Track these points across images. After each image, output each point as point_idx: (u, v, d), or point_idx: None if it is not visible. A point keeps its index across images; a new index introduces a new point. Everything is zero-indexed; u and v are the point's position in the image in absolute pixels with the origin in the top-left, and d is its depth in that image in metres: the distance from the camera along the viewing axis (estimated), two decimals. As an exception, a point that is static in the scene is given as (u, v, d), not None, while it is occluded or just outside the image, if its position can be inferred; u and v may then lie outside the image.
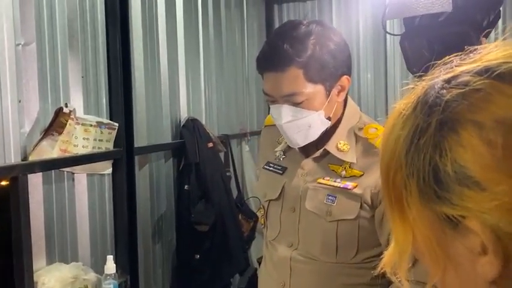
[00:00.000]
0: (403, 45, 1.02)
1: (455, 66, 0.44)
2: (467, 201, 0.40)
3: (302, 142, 1.20)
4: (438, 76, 0.44)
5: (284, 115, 1.15)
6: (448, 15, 0.85)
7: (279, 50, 1.12)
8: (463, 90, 0.41)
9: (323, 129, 1.19)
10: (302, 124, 1.16)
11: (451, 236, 0.42)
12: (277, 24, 3.66)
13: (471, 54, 0.44)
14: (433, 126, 0.41)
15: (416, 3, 0.89)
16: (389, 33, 1.13)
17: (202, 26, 2.70)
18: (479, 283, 0.42)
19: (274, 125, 1.24)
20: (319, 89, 1.14)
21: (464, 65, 0.43)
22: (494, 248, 0.39)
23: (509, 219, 0.38)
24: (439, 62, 0.46)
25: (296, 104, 1.14)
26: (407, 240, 0.45)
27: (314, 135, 1.19)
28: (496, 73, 0.40)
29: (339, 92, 1.19)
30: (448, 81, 0.43)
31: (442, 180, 0.41)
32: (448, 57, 0.45)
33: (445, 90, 0.42)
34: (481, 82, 0.40)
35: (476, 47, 0.45)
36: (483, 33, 0.96)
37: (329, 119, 1.19)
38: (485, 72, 0.41)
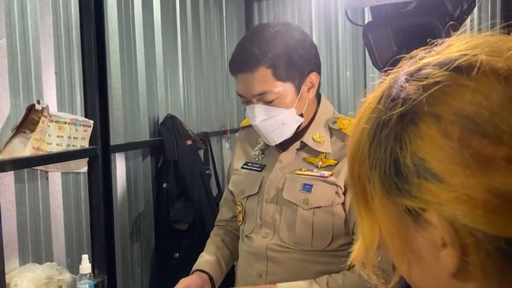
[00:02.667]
0: (367, 37, 1.01)
1: (420, 59, 0.44)
2: (425, 193, 0.40)
3: (278, 139, 1.25)
4: (403, 69, 0.44)
5: (258, 114, 1.22)
6: (415, 5, 0.85)
7: (247, 52, 1.20)
8: (423, 82, 0.41)
9: (296, 125, 1.25)
10: (275, 122, 1.22)
11: (413, 229, 0.42)
12: (256, 21, 3.65)
13: (437, 47, 0.44)
14: (394, 119, 0.41)
15: None
16: (353, 23, 1.11)
17: (180, 21, 2.67)
18: (442, 276, 0.41)
19: (252, 126, 1.29)
20: (289, 86, 1.21)
21: (427, 58, 0.43)
22: (451, 241, 0.39)
23: (465, 211, 0.38)
24: (406, 55, 0.45)
25: (268, 103, 1.20)
26: (374, 234, 0.44)
27: (288, 132, 1.24)
28: (454, 65, 0.40)
29: (309, 89, 1.25)
30: (410, 74, 0.43)
31: (402, 172, 0.41)
32: (415, 50, 0.45)
33: (407, 83, 0.42)
34: (440, 74, 0.40)
35: (444, 39, 0.45)
36: (454, 23, 0.95)
37: (301, 115, 1.25)
38: (445, 64, 0.41)
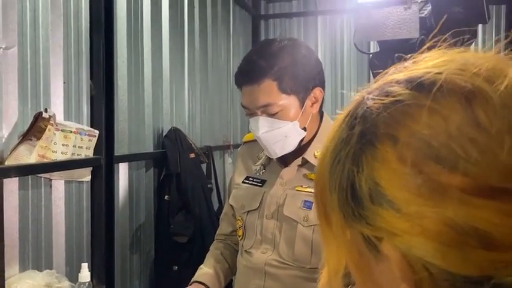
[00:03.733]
0: (373, 63, 1.05)
1: (388, 75, 0.41)
2: (380, 221, 0.36)
3: (280, 152, 1.26)
4: (372, 86, 0.42)
5: (261, 126, 1.22)
6: (421, 38, 0.88)
7: (254, 65, 1.21)
8: (384, 101, 0.38)
9: (299, 139, 1.25)
10: (279, 134, 1.22)
11: (372, 260, 0.39)
12: (262, 39, 3.70)
13: (407, 63, 0.41)
14: (355, 138, 0.39)
15: (384, 28, 0.92)
16: (361, 51, 1.15)
17: (188, 37, 2.71)
18: None
19: (254, 141, 1.31)
20: (293, 100, 1.22)
21: (396, 74, 0.40)
22: (404, 275, 0.36)
23: (420, 243, 0.35)
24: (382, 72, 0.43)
25: (272, 115, 1.21)
26: (339, 262, 0.41)
27: (291, 145, 1.25)
28: (416, 83, 0.38)
29: (312, 104, 1.26)
30: (375, 91, 0.40)
31: (358, 196, 0.38)
32: (390, 67, 0.43)
33: (371, 101, 0.39)
34: (401, 92, 0.38)
35: (412, 54, 0.42)
36: None
37: (304, 129, 1.25)
38: (409, 82, 0.38)
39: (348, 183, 0.38)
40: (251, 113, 1.25)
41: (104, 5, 1.86)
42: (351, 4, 1.00)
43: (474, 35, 1.09)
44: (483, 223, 0.33)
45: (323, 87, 1.28)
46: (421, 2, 0.89)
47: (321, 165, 0.42)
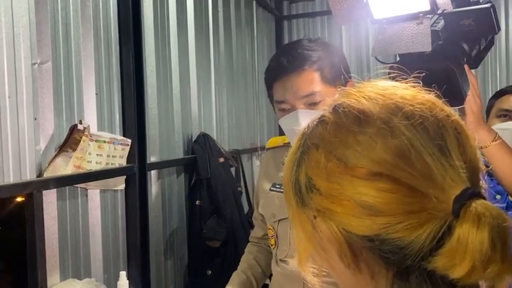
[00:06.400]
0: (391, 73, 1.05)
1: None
2: (312, 203, 0.52)
3: None
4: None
5: (302, 118, 1.16)
6: (430, 52, 0.90)
7: (293, 54, 1.19)
8: (319, 119, 0.55)
9: None
10: None
11: (316, 234, 0.52)
12: (287, 40, 3.70)
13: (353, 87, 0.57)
14: (299, 148, 0.55)
15: (398, 41, 0.94)
16: (381, 62, 1.17)
17: (213, 42, 2.73)
18: (345, 272, 0.52)
19: (278, 147, 1.31)
20: (333, 90, 1.19)
21: (333, 101, 0.56)
22: (330, 242, 0.51)
23: (334, 215, 0.49)
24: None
25: (313, 105, 1.17)
26: (303, 243, 0.55)
27: None
28: (333, 106, 0.54)
29: None
30: (325, 109, 0.55)
31: (300, 188, 0.53)
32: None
33: (313, 122, 0.55)
34: (325, 114, 0.54)
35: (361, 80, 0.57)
36: (470, 63, 0.99)
37: None
38: (331, 106, 0.55)
39: (295, 178, 0.54)
40: (287, 108, 1.20)
41: (132, 16, 1.89)
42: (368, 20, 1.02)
43: (492, 41, 1.08)
44: (368, 197, 0.47)
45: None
46: (434, 16, 0.92)
47: (284, 168, 0.57)
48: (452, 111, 0.52)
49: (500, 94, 1.72)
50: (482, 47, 1.02)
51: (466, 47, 0.98)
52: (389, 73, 1.12)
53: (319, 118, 0.55)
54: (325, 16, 3.56)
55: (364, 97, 0.52)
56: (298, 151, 0.54)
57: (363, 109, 0.51)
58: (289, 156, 0.56)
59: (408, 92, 0.53)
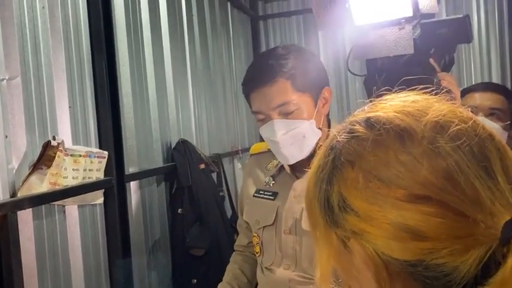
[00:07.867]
0: (368, 86, 1.07)
1: (352, 116, 0.54)
2: (346, 224, 0.49)
3: (298, 155, 1.22)
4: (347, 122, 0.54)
5: (277, 129, 1.20)
6: (409, 57, 0.92)
7: (264, 66, 1.21)
8: (348, 136, 0.51)
9: (315, 140, 1.22)
10: (296, 134, 1.20)
11: (348, 255, 0.50)
12: (263, 40, 3.68)
13: (366, 107, 0.54)
14: (328, 164, 0.52)
15: (380, 45, 0.97)
16: (353, 73, 1.20)
17: (188, 46, 2.69)
18: None
19: (261, 153, 1.31)
20: (307, 98, 1.21)
21: (362, 113, 0.53)
22: (367, 265, 0.48)
23: (372, 239, 0.47)
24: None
25: (287, 115, 1.19)
26: (327, 260, 0.52)
27: (308, 146, 1.21)
28: (368, 122, 0.51)
29: (323, 104, 1.26)
30: (343, 129, 0.52)
31: (331, 206, 0.50)
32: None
33: (340, 137, 0.52)
34: (358, 129, 0.51)
35: (385, 95, 0.54)
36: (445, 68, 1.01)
37: (320, 130, 1.24)
38: (364, 121, 0.51)
39: (325, 196, 0.51)
40: (264, 118, 1.22)
41: (104, 24, 1.84)
42: (349, 27, 1.04)
43: (452, 61, 1.11)
44: (412, 221, 0.45)
45: (329, 87, 1.29)
46: (413, 25, 0.95)
47: (308, 183, 0.55)
48: (494, 131, 0.50)
49: (464, 93, 1.73)
50: (447, 62, 1.05)
51: (434, 58, 1.00)
52: (365, 84, 1.13)
53: (350, 132, 0.51)
54: (300, 16, 3.55)
55: (401, 112, 0.50)
56: (326, 167, 0.51)
57: (405, 127, 0.48)
58: (313, 172, 0.54)
59: (444, 107, 0.50)
